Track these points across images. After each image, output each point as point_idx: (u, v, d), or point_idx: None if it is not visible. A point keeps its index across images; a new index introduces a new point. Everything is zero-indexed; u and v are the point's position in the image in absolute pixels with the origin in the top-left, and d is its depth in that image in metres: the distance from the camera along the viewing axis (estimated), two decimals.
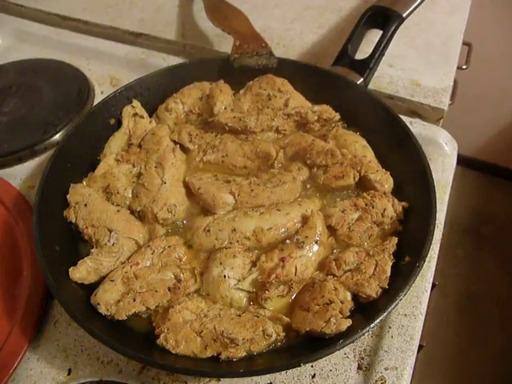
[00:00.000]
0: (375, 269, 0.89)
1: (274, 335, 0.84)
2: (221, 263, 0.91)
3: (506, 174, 3.35)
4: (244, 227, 0.95)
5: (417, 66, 1.45)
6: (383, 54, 1.25)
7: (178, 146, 1.14)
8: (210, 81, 1.26)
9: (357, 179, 1.04)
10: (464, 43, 1.58)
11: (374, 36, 1.32)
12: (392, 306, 0.82)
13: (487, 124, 3.03)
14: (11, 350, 0.93)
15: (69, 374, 0.93)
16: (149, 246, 0.96)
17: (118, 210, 1.03)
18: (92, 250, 0.98)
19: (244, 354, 0.83)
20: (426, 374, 2.46)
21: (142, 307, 0.87)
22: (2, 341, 0.94)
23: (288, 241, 0.96)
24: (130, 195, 1.08)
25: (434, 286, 1.07)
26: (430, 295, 1.03)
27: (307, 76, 1.24)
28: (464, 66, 1.60)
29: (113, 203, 1.06)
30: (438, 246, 1.09)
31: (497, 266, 3.02)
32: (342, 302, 0.85)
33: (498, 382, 2.55)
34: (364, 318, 0.84)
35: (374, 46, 1.25)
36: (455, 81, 1.45)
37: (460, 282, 2.94)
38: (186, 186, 1.07)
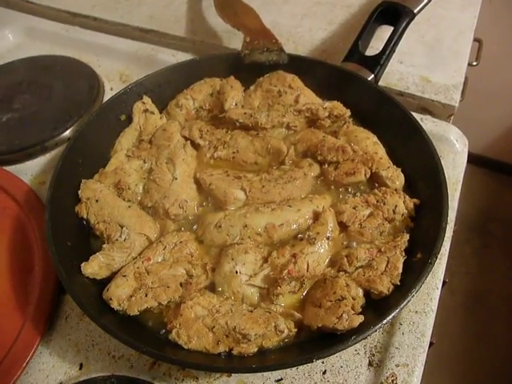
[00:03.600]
0: (387, 265, 0.89)
1: (286, 331, 0.84)
2: (232, 259, 0.91)
3: None
4: (255, 223, 0.95)
5: (427, 62, 1.44)
6: (394, 51, 1.25)
7: (189, 142, 1.14)
8: (220, 77, 1.26)
9: (368, 176, 1.04)
10: (474, 39, 1.57)
11: (384, 32, 1.32)
12: (404, 303, 0.82)
13: (496, 121, 3.01)
14: (24, 344, 0.94)
15: (80, 369, 0.94)
16: (160, 241, 0.96)
17: (130, 206, 1.03)
18: (104, 246, 0.98)
19: (256, 349, 0.83)
20: (432, 371, 2.44)
21: (154, 302, 0.88)
22: (14, 335, 0.95)
23: (300, 236, 0.95)
24: (141, 191, 1.08)
25: (444, 283, 1.07)
26: (440, 292, 1.03)
27: (318, 72, 1.24)
28: (474, 63, 1.59)
29: (124, 199, 1.06)
30: (449, 243, 1.09)
31: (504, 264, 3.00)
32: (353, 299, 0.85)
33: (505, 379, 2.54)
34: (376, 315, 0.83)
35: (384, 42, 1.24)
36: (465, 77, 1.44)
37: (467, 279, 2.93)
38: (197, 181, 1.07)
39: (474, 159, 3.09)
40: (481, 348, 2.65)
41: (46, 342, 0.98)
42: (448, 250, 1.08)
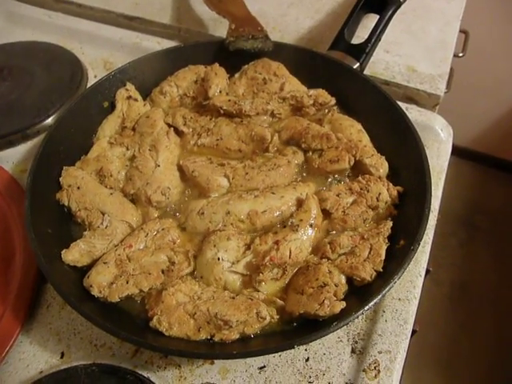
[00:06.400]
0: (370, 252, 0.89)
1: (268, 318, 0.83)
2: (215, 246, 0.90)
3: (500, 165, 3.35)
4: (238, 210, 0.95)
5: (413, 52, 1.44)
6: (380, 39, 1.25)
7: (172, 129, 1.12)
8: (205, 64, 1.25)
9: (352, 163, 1.03)
10: (461, 31, 1.57)
11: (370, 21, 1.31)
12: (386, 289, 0.82)
13: (482, 114, 3.03)
14: (3, 333, 0.93)
15: (62, 358, 0.93)
16: (142, 228, 0.95)
17: (111, 193, 1.02)
18: (85, 233, 0.97)
19: (237, 336, 0.82)
20: (416, 360, 2.48)
21: (135, 289, 0.87)
22: None
23: (283, 223, 0.95)
24: (124, 178, 1.07)
25: (427, 271, 1.07)
26: (424, 281, 1.03)
27: (303, 60, 1.23)
28: (460, 54, 1.59)
29: (106, 186, 1.05)
30: (433, 231, 1.09)
31: (489, 256, 3.04)
32: (336, 285, 0.85)
33: (488, 369, 2.58)
34: (358, 301, 0.83)
35: (370, 30, 1.24)
36: (451, 69, 1.44)
37: (453, 271, 2.96)
38: (180, 169, 1.06)
39: (460, 152, 3.15)
40: (465, 338, 2.68)
41: (26, 331, 0.96)
42: (431, 238, 1.08)
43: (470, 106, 2.90)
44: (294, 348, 0.78)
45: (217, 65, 1.22)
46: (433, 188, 0.96)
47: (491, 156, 3.35)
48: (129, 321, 0.89)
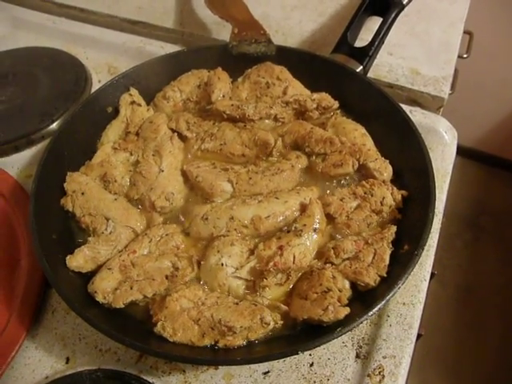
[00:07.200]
0: (374, 257, 0.89)
1: (272, 323, 0.84)
2: (218, 251, 0.90)
3: (505, 165, 3.34)
4: (242, 215, 0.95)
5: (417, 54, 1.44)
6: (383, 42, 1.24)
7: (176, 134, 1.13)
8: (208, 69, 1.25)
9: (356, 167, 1.03)
10: (465, 32, 1.57)
11: (373, 24, 1.31)
12: (390, 294, 0.82)
13: (487, 114, 3.02)
14: (9, 338, 0.93)
15: (67, 363, 0.93)
16: (146, 234, 0.96)
17: (116, 199, 1.02)
18: (89, 239, 0.98)
19: (242, 342, 0.82)
20: (423, 363, 2.47)
21: (139, 295, 0.87)
22: (0, 330, 0.94)
23: (287, 228, 0.95)
24: (128, 184, 1.07)
25: (432, 275, 1.07)
26: (429, 285, 1.03)
27: (306, 64, 1.23)
28: (465, 55, 1.59)
29: (110, 192, 1.05)
30: (437, 235, 1.09)
31: (495, 257, 3.02)
32: (340, 291, 0.85)
33: (494, 371, 2.56)
34: (362, 307, 0.83)
35: (373, 33, 1.24)
36: (456, 70, 1.43)
37: (458, 272, 2.95)
38: (184, 174, 1.06)
39: (465, 152, 3.14)
40: (471, 340, 2.67)
41: (32, 337, 0.97)
42: (436, 241, 1.08)
43: (474, 106, 2.89)
44: (297, 354, 0.78)
45: (220, 69, 1.23)
46: (437, 191, 0.95)
47: (496, 156, 3.33)
48: (133, 326, 0.89)
